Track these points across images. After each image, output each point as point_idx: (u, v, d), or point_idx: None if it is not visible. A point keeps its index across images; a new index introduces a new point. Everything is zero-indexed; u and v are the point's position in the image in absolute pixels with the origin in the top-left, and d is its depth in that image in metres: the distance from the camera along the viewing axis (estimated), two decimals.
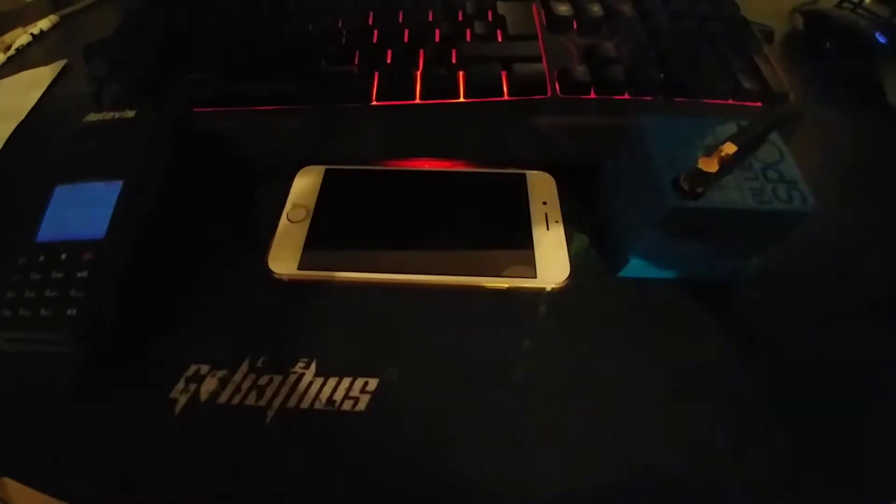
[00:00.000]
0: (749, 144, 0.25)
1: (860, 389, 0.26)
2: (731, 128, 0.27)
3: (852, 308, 0.29)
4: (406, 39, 0.36)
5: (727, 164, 0.24)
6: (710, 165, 0.23)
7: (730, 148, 0.24)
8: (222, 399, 0.25)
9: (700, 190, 0.24)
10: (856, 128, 0.40)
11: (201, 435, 0.25)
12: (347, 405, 0.25)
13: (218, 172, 0.33)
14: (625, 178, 0.29)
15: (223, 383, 0.26)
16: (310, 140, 0.33)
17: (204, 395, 0.26)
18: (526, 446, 0.24)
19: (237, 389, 0.26)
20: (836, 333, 0.28)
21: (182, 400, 0.26)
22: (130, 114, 0.31)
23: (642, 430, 0.25)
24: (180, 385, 0.26)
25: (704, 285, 0.29)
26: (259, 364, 0.26)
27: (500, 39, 0.36)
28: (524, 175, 0.33)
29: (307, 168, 0.33)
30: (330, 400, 0.25)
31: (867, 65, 0.42)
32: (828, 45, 0.46)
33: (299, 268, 0.29)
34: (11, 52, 0.49)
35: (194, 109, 0.33)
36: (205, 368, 0.26)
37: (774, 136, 0.27)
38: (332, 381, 0.26)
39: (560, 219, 0.31)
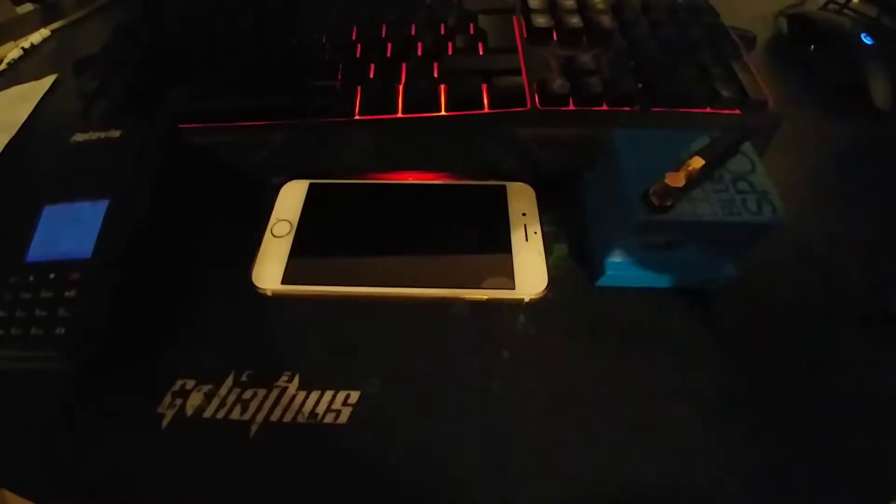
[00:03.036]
0: (718, 157, 0.26)
1: (844, 394, 0.27)
2: (703, 140, 0.27)
3: (834, 314, 0.29)
4: (389, 54, 0.37)
5: (695, 178, 0.25)
6: (676, 180, 0.24)
7: (697, 162, 0.24)
8: (207, 413, 0.26)
9: (669, 203, 0.24)
10: (840, 132, 0.40)
11: (188, 449, 0.25)
12: (329, 418, 0.26)
13: (203, 188, 0.34)
14: (600, 190, 0.29)
15: (208, 398, 0.26)
16: (294, 154, 0.34)
17: (189, 410, 0.26)
18: (506, 458, 0.25)
19: (222, 403, 0.26)
20: (818, 340, 0.28)
21: (169, 415, 0.26)
22: (116, 133, 0.32)
23: (623, 441, 0.25)
24: (167, 400, 0.27)
25: (682, 294, 0.30)
26: (243, 378, 0.27)
27: (481, 53, 0.37)
28: (504, 186, 0.34)
29: (291, 182, 0.34)
30: (312, 413, 0.26)
31: (853, 67, 0.42)
32: (812, 48, 0.46)
33: (283, 282, 0.29)
34: (3, 66, 0.49)
35: (180, 125, 0.33)
36: (191, 383, 0.27)
37: (747, 147, 0.28)
38: (314, 395, 0.26)
39: (539, 229, 0.31)
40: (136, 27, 0.41)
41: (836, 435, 0.25)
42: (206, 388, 0.27)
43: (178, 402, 0.26)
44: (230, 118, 0.33)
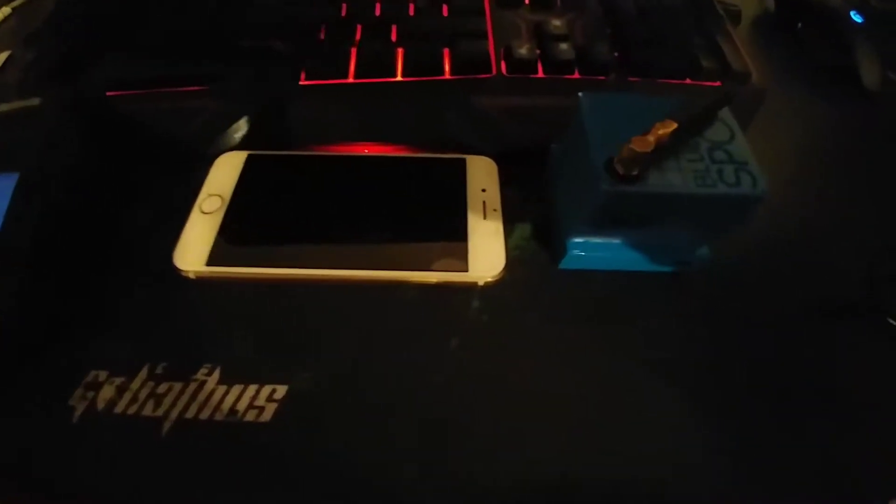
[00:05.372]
0: (693, 122, 0.23)
1: (842, 391, 0.24)
2: (678, 104, 0.24)
3: (814, 302, 0.27)
4: (343, 14, 0.34)
5: (666, 144, 0.22)
6: (644, 145, 0.21)
7: (668, 125, 0.21)
8: (119, 408, 0.23)
9: (635, 173, 0.21)
10: (827, 111, 0.38)
11: (98, 446, 0.22)
12: (251, 415, 0.23)
13: (135, 160, 0.31)
14: (565, 162, 0.27)
15: (120, 391, 0.24)
16: (232, 123, 0.31)
17: (101, 404, 0.23)
18: (449, 458, 0.22)
19: (134, 398, 0.23)
20: (795, 328, 0.26)
21: (80, 408, 0.23)
22: (35, 102, 0.29)
23: (582, 437, 0.23)
24: (79, 392, 0.24)
25: (651, 277, 0.27)
26: (158, 370, 0.24)
27: (444, 14, 0.34)
28: (463, 160, 0.31)
29: (227, 154, 0.31)
30: (232, 410, 0.23)
31: (842, 46, 0.39)
32: (800, 25, 0.43)
33: (208, 263, 0.26)
34: None
35: (108, 93, 0.30)
36: (103, 375, 0.24)
37: (725, 114, 0.25)
38: (236, 389, 0.23)
39: (499, 207, 0.28)
40: None
41: (834, 433, 0.23)
42: (118, 380, 0.24)
43: (90, 395, 0.24)
44: (162, 84, 0.30)
